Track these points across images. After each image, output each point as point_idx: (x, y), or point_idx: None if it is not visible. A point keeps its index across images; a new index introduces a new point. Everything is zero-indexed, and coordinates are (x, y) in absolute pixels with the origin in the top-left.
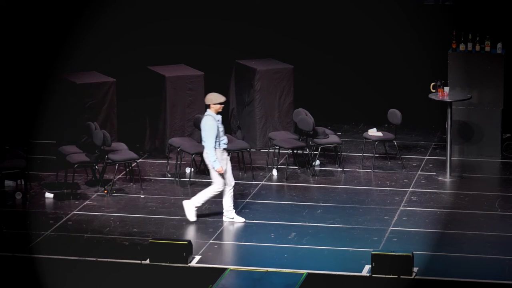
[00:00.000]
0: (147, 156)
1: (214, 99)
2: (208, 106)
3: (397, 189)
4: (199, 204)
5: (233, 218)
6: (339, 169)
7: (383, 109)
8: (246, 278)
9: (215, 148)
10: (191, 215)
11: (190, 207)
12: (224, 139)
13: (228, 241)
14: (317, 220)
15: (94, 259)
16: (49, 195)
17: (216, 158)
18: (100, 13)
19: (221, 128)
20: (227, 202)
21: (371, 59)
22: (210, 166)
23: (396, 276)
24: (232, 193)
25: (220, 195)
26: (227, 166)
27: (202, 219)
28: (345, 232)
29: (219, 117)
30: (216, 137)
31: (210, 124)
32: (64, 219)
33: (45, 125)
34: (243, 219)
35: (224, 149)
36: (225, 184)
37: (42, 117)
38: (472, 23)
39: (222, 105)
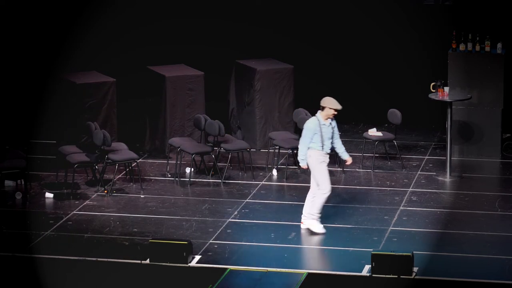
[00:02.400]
0: (147, 156)
1: (330, 103)
2: (321, 108)
3: (397, 189)
4: (319, 214)
5: (310, 227)
6: (339, 169)
7: (383, 109)
8: (246, 278)
9: (318, 150)
10: (319, 227)
11: (314, 223)
12: (328, 144)
13: (228, 241)
14: None
15: (94, 259)
16: (49, 195)
17: (304, 158)
18: (100, 13)
19: (327, 133)
20: (307, 207)
21: (371, 59)
22: (312, 169)
23: (396, 276)
24: (321, 200)
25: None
26: (325, 171)
27: (202, 219)
28: (345, 232)
29: (329, 122)
30: (321, 140)
31: (308, 127)
32: (64, 219)
33: (45, 125)
34: (322, 229)
35: (327, 153)
36: (317, 187)
37: (42, 117)
38: (472, 23)
39: (335, 113)
